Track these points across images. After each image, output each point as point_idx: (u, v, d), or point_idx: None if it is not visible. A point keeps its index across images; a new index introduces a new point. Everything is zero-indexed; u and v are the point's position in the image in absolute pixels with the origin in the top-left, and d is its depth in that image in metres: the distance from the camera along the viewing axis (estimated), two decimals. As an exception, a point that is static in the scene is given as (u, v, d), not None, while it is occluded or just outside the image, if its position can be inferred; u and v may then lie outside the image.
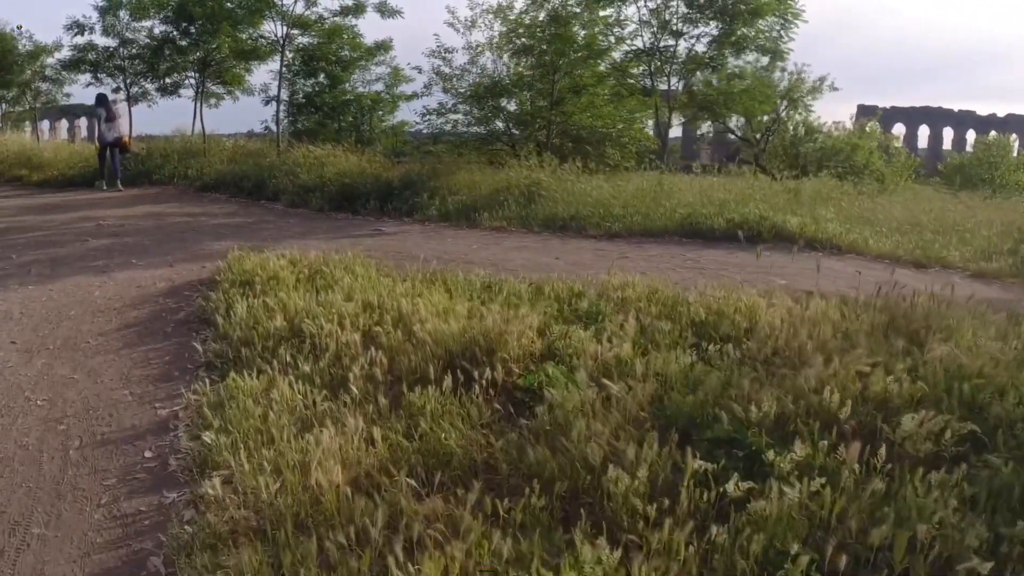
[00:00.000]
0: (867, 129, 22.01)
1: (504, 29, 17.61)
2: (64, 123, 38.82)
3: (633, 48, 15.58)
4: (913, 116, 41.30)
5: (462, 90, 18.35)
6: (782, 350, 4.38)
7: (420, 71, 18.71)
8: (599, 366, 4.13)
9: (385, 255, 8.48)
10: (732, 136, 24.36)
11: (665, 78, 15.03)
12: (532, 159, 14.35)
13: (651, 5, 14.92)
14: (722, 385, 3.85)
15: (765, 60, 16.55)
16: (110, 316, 6.22)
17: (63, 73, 23.69)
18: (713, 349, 4.46)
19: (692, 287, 6.67)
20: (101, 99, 16.80)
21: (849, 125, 22.98)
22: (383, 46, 21.16)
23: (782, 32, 14.20)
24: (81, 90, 25.68)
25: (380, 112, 22.41)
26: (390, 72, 22.24)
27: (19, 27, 24.64)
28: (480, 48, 18.26)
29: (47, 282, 7.59)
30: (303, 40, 19.95)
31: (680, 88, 15.13)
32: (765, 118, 20.32)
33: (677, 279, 7.25)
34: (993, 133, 41.44)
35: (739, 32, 14.23)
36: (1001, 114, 42.06)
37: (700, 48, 14.98)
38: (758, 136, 23.29)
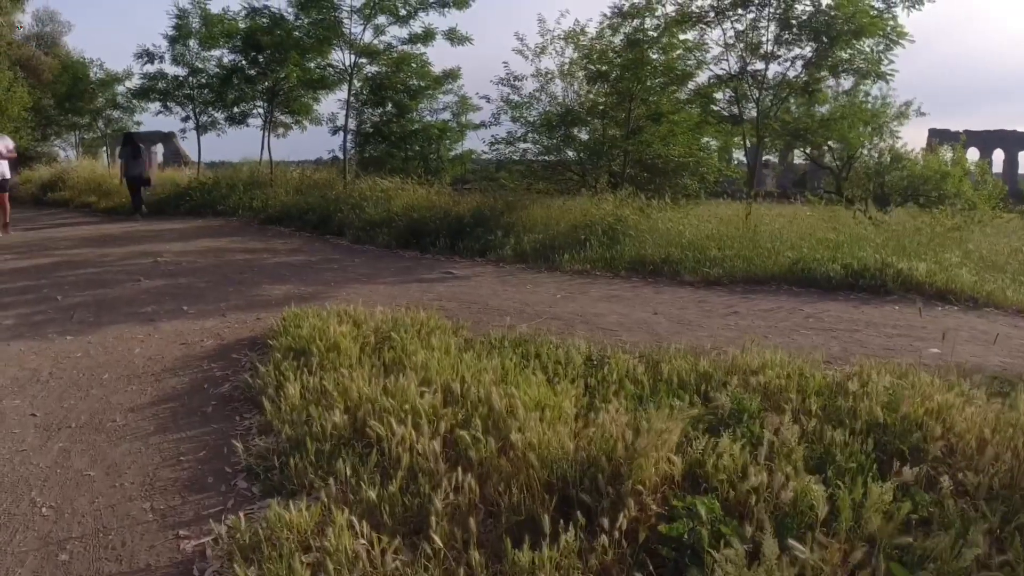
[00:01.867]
0: (953, 156, 20.48)
1: (576, 55, 16.63)
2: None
3: (718, 73, 14.25)
4: (987, 140, 39.18)
5: (531, 119, 17.39)
6: (1009, 482, 3.15)
7: (488, 100, 17.75)
8: (769, 506, 2.94)
9: (460, 306, 7.41)
10: (816, 165, 22.89)
11: (754, 104, 13.67)
12: (607, 191, 13.33)
13: (739, 27, 13.61)
14: (952, 546, 2.64)
15: (868, 84, 15.26)
16: (146, 384, 5.22)
17: (133, 101, 23.43)
18: (910, 473, 3.23)
19: (834, 359, 5.52)
20: (129, 138, 17.82)
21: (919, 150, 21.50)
22: (451, 75, 20.36)
23: (882, 55, 12.76)
24: (151, 118, 25.47)
25: (447, 141, 21.53)
26: (458, 101, 21.44)
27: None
28: (550, 75, 17.32)
29: (88, 331, 6.70)
30: (371, 69, 19.15)
31: (773, 114, 13.77)
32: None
33: (807, 344, 6.06)
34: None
35: (838, 54, 12.86)
36: (1083, 136, 39.79)
37: (793, 72, 13.61)
38: (839, 164, 21.86)
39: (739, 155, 19.35)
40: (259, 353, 5.55)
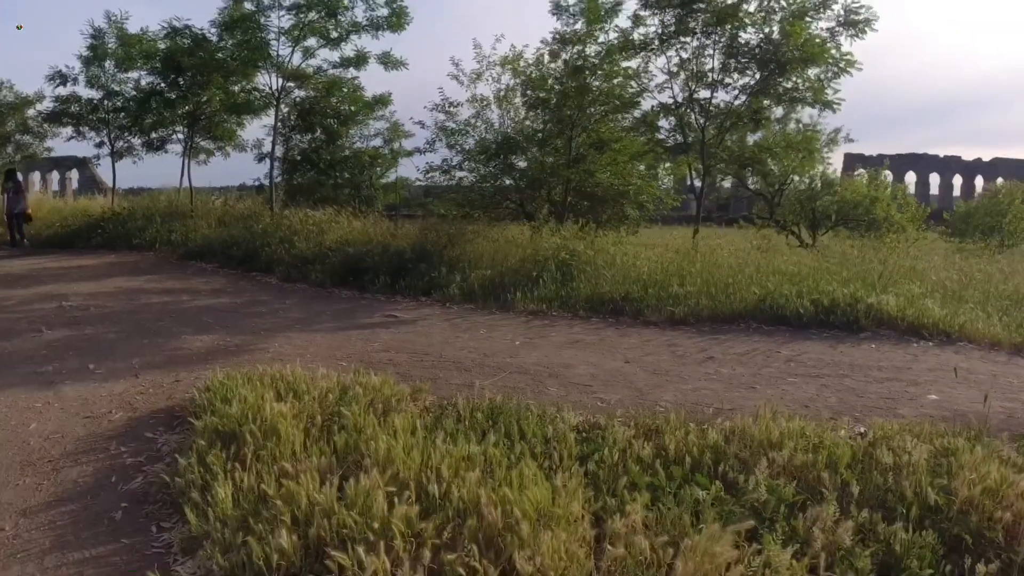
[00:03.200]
0: (878, 180, 20.64)
1: (514, 81, 15.98)
2: (55, 175, 37.04)
3: (661, 101, 13.78)
4: (899, 163, 40.30)
5: (467, 146, 16.63)
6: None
7: (423, 125, 16.89)
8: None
9: (411, 359, 6.55)
10: (747, 190, 22.72)
11: (699, 132, 13.20)
12: (549, 221, 12.69)
13: (684, 55, 13.16)
14: None
15: (799, 112, 14.98)
16: (42, 475, 4.21)
17: (44, 126, 21.78)
18: (984, 571, 2.61)
19: (836, 413, 5.07)
20: (10, 174, 17.90)
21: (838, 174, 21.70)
22: (382, 100, 19.42)
23: (827, 83, 12.44)
24: (63, 143, 23.79)
25: (379, 168, 20.56)
26: (389, 127, 20.53)
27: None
28: (486, 102, 16.60)
29: (-26, 399, 5.60)
30: (299, 94, 18.11)
31: (718, 143, 13.32)
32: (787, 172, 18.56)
33: (800, 396, 5.52)
34: (980, 178, 40.73)
35: (787, 82, 12.50)
36: (987, 158, 41.41)
37: (738, 99, 13.20)
38: (771, 190, 21.70)
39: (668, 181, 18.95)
40: (178, 433, 4.59)
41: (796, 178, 20.11)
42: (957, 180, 42.08)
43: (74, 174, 37.16)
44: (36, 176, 36.01)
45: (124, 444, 4.54)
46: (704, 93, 13.35)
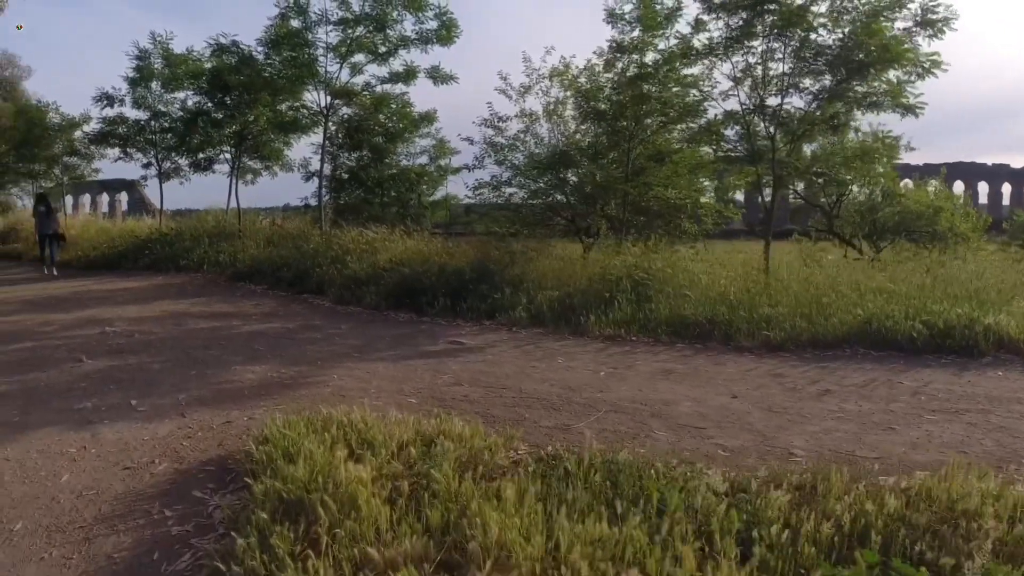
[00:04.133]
0: (934, 189, 19.58)
1: (567, 94, 15.22)
2: (105, 197, 37.09)
3: (728, 110, 12.86)
4: (947, 172, 38.74)
5: (516, 161, 15.88)
6: None
7: (472, 141, 16.15)
8: None
9: (488, 395, 5.73)
10: (807, 203, 21.65)
11: (768, 141, 12.26)
12: (608, 237, 11.91)
13: (751, 59, 12.24)
14: None
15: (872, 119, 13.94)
16: (72, 545, 3.48)
17: (92, 147, 21.49)
18: None
19: (1002, 461, 4.26)
20: (42, 197, 17.75)
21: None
22: (427, 117, 18.78)
23: (905, 86, 11.42)
24: (110, 164, 23.60)
25: (424, 186, 19.91)
26: (435, 144, 19.89)
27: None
28: (534, 116, 15.85)
29: (8, 439, 4.94)
30: (347, 111, 17.50)
31: (791, 152, 12.37)
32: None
33: (949, 438, 4.75)
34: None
35: (863, 85, 11.52)
36: (1035, 165, 39.63)
37: (810, 105, 12.23)
38: (829, 201, 20.62)
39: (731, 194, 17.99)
40: (233, 493, 3.80)
41: (855, 188, 19.09)
42: (1006, 188, 40.36)
43: (123, 196, 37.19)
44: (86, 198, 36.10)
45: (169, 506, 3.76)
46: (774, 100, 12.37)
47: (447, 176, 20.15)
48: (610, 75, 14.39)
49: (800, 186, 19.86)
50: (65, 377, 6.55)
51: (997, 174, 40.39)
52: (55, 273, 16.44)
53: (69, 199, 29.67)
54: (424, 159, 19.76)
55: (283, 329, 8.75)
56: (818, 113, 12.15)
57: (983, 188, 40.27)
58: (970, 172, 40.20)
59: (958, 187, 39.12)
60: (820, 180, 14.23)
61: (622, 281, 8.80)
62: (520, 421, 5.02)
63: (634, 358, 7.09)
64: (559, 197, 15.86)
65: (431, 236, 13.43)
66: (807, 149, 13.73)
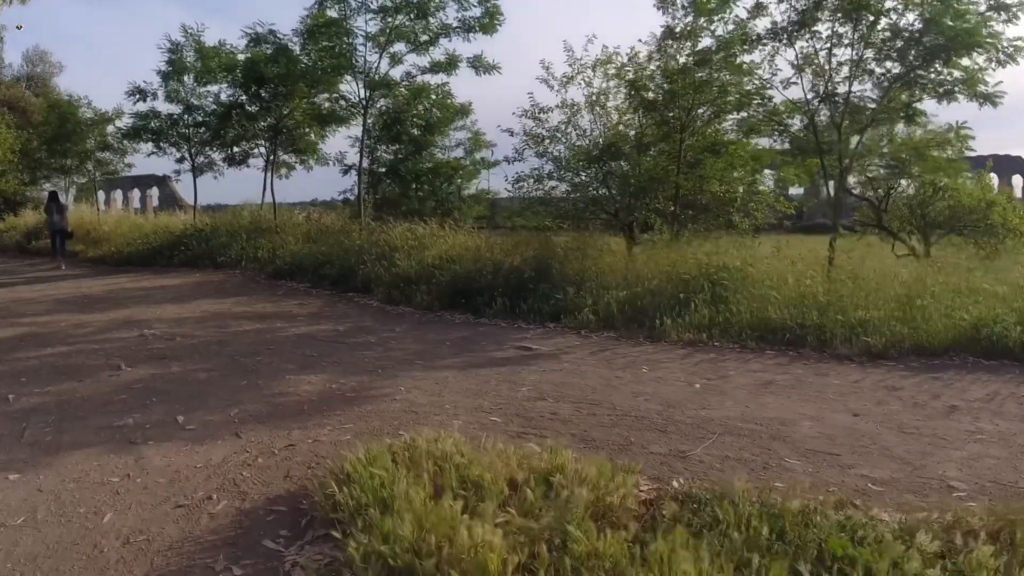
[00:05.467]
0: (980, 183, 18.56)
1: (614, 83, 14.44)
2: (136, 193, 36.75)
3: (787, 98, 12.01)
4: (1002, 165, 37.40)
5: (557, 153, 15.12)
6: None
7: (512, 133, 15.37)
8: None
9: (576, 411, 5.00)
10: (857, 198, 20.66)
11: (834, 130, 11.39)
12: (662, 231, 11.17)
13: (817, 44, 11.38)
14: None
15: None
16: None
17: (124, 142, 20.96)
18: None
19: None
20: (53, 196, 18.28)
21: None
22: (463, 110, 18.04)
23: (981, 73, 10.51)
24: (143, 159, 23.13)
25: (459, 180, 19.21)
26: (470, 137, 19.18)
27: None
28: (576, 107, 15.07)
29: (41, 464, 4.28)
30: (385, 102, 16.77)
31: (861, 143, 11.51)
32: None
33: None
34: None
35: (936, 73, 10.64)
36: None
37: (876, 93, 11.35)
38: (877, 195, 19.65)
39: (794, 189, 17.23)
40: (315, 546, 3.08)
41: (904, 182, 18.14)
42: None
43: (154, 191, 36.82)
44: (118, 194, 35.78)
45: (236, 560, 3.06)
46: (839, 87, 11.50)
47: (483, 170, 19.49)
48: (659, 63, 13.64)
49: (850, 179, 18.94)
50: (103, 388, 5.89)
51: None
52: (63, 267, 16.92)
53: (101, 194, 29.27)
54: (459, 152, 19.11)
55: (333, 332, 8.06)
56: (887, 102, 11.27)
57: (1017, 181, 38.85)
58: (1005, 165, 38.84)
59: (993, 180, 37.88)
60: (886, 171, 13.26)
61: (698, 280, 8.01)
62: (626, 447, 4.29)
63: (724, 367, 6.33)
64: (603, 191, 15.12)
65: (477, 232, 12.70)
66: (884, 139, 12.84)
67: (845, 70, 11.41)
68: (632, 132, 15.01)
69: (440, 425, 4.64)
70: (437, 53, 15.21)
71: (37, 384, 6.04)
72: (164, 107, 19.26)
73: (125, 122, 20.39)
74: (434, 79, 16.42)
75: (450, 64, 15.23)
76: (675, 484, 3.63)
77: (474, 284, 9.18)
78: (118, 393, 5.71)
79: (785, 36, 11.61)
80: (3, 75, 35.70)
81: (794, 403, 5.24)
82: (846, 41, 11.35)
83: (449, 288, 9.39)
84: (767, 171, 14.84)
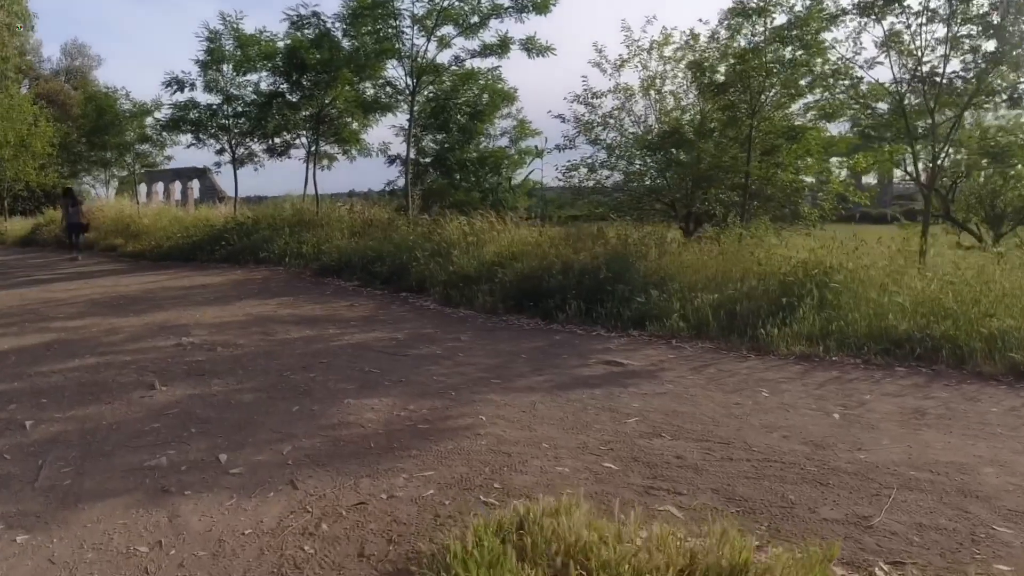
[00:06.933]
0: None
1: (664, 68, 13.46)
2: (177, 185, 36.37)
3: (872, 79, 10.87)
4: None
5: (610, 140, 14.17)
6: None
7: (563, 119, 14.40)
8: None
9: (707, 456, 4.02)
10: (923, 187, 19.36)
11: (927, 114, 10.24)
12: (736, 224, 10.21)
13: (908, 18, 10.20)
14: None
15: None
16: None
17: (163, 134, 20.30)
18: None
19: None
20: (67, 191, 19.31)
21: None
22: (509, 96, 17.06)
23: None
24: (183, 151, 22.59)
25: (503, 170, 18.28)
26: (515, 125, 18.21)
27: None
28: (630, 91, 14.08)
29: (53, 522, 3.43)
30: (432, 89, 15.83)
31: (954, 127, 10.34)
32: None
33: None
34: None
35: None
36: None
37: (969, 72, 10.18)
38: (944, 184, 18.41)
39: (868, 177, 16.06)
40: None
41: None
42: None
43: (195, 184, 36.38)
44: (159, 186, 35.39)
45: None
46: (928, 68, 10.33)
47: (531, 159, 18.54)
48: (725, 42, 12.59)
49: (918, 166, 17.74)
50: (134, 413, 5.02)
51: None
52: (79, 259, 17.36)
53: (143, 187, 28.79)
54: (504, 141, 18.18)
55: (392, 341, 7.12)
56: (978, 83, 10.07)
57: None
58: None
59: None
60: (994, 159, 12.04)
61: (806, 284, 6.95)
62: (788, 509, 3.29)
63: (855, 389, 5.30)
64: (660, 180, 14.11)
65: (537, 225, 11.72)
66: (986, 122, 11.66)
67: (940, 49, 10.26)
68: (687, 117, 14.04)
69: (542, 473, 3.71)
70: (487, 35, 14.25)
71: (59, 407, 5.20)
72: (203, 98, 18.67)
73: (164, 113, 19.77)
74: (484, 63, 15.49)
75: (502, 46, 14.23)
76: (879, 574, 2.67)
77: (543, 285, 8.20)
78: (151, 420, 4.83)
79: (875, 11, 10.45)
80: (42, 68, 35.44)
81: (960, 440, 4.21)
82: (940, 16, 10.19)
83: (514, 289, 8.43)
84: (834, 159, 13.71)
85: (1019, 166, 12.00)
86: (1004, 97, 10.11)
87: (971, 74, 10.21)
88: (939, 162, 10.61)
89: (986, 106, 10.58)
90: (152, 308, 9.34)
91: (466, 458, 3.94)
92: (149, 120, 21.23)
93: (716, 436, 4.26)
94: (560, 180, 15.24)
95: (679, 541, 2.64)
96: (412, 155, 16.18)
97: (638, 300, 7.46)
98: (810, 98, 12.24)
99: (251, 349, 6.85)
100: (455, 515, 3.24)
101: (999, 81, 10.33)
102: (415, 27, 14.09)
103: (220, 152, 18.97)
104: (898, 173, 16.45)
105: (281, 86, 17.38)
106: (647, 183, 14.39)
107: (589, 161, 14.33)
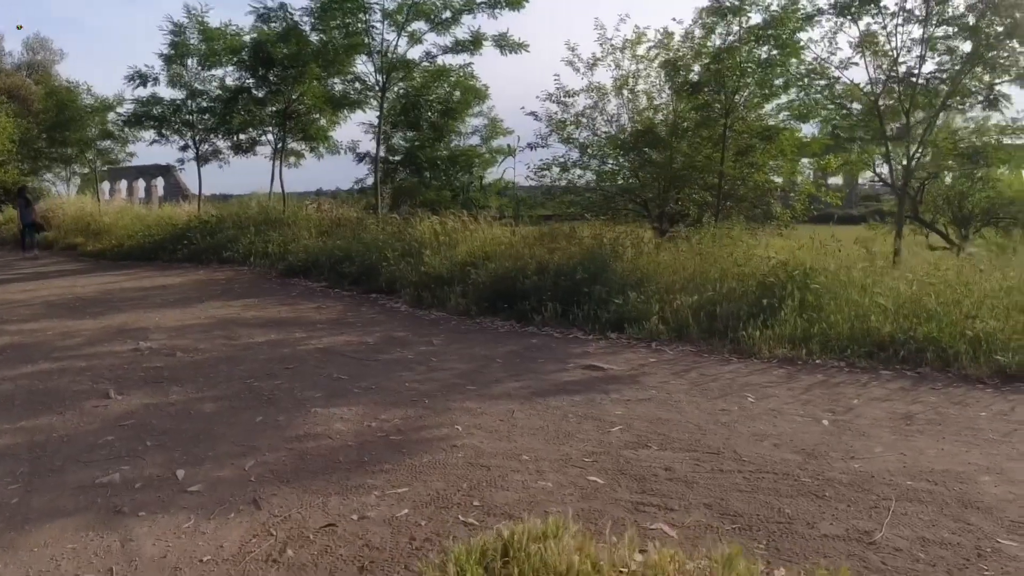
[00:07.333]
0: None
1: (638, 67, 13.29)
2: (141, 183, 35.56)
3: (845, 79, 10.82)
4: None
5: (582, 139, 13.98)
6: None
7: (536, 117, 14.15)
8: None
9: (697, 467, 3.81)
10: (887, 186, 19.48)
11: (902, 115, 10.20)
12: (710, 225, 10.09)
13: (884, 19, 10.14)
14: None
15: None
16: None
17: (126, 130, 19.72)
18: None
19: None
20: (21, 191, 19.59)
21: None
22: (480, 94, 16.78)
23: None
24: (145, 148, 21.99)
25: (475, 169, 18.01)
26: (487, 124, 17.93)
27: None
28: (603, 91, 13.89)
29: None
30: (402, 85, 15.51)
31: (930, 129, 10.30)
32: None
33: None
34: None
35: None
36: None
37: (944, 73, 10.18)
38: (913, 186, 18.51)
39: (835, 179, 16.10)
40: None
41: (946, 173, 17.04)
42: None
43: (159, 182, 35.60)
44: (123, 184, 34.58)
45: None
46: (907, 69, 10.30)
47: (501, 158, 18.26)
48: (701, 41, 12.45)
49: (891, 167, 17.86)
50: (87, 424, 4.70)
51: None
52: (36, 254, 17.77)
53: (105, 185, 28.07)
54: (475, 140, 17.90)
55: (362, 345, 6.84)
56: (955, 84, 10.05)
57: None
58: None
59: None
60: (974, 161, 12.05)
61: (787, 285, 6.79)
62: (787, 525, 3.10)
63: (841, 393, 5.14)
64: (633, 180, 13.96)
65: (509, 224, 11.49)
66: (966, 125, 11.67)
67: (916, 50, 10.23)
68: (660, 117, 13.89)
69: (524, 489, 3.48)
70: (460, 32, 13.97)
71: (8, 417, 4.87)
72: (167, 93, 18.10)
73: (126, 109, 19.19)
74: (455, 60, 15.22)
75: (475, 43, 13.95)
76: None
77: (517, 286, 7.96)
78: (105, 432, 4.52)
79: (851, 11, 10.38)
80: (3, 63, 34.45)
81: (953, 447, 4.06)
82: (916, 16, 10.15)
83: (488, 290, 8.18)
84: (804, 160, 13.70)
85: (985, 168, 12.00)
86: (980, 99, 10.08)
87: (946, 75, 10.20)
88: (912, 163, 10.58)
89: (960, 107, 10.54)
90: (110, 310, 8.96)
91: (442, 472, 3.70)
92: (112, 116, 20.62)
93: (704, 445, 4.06)
94: (532, 179, 15.00)
95: (678, 564, 2.43)
96: (382, 153, 15.85)
97: (616, 302, 7.25)
98: (784, 98, 12.13)
99: (213, 354, 6.53)
100: (432, 538, 3.00)
101: (975, 83, 10.33)
102: (385, 22, 13.77)
103: (184, 149, 18.48)
104: (866, 174, 16.54)
105: (247, 81, 16.96)
106: (620, 183, 14.22)
107: (562, 160, 14.11)
